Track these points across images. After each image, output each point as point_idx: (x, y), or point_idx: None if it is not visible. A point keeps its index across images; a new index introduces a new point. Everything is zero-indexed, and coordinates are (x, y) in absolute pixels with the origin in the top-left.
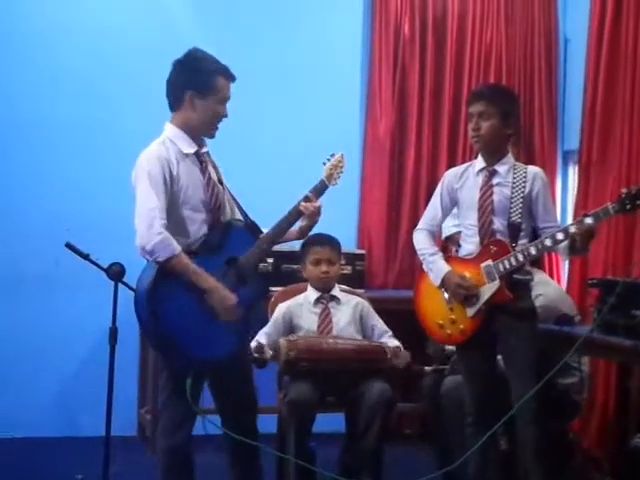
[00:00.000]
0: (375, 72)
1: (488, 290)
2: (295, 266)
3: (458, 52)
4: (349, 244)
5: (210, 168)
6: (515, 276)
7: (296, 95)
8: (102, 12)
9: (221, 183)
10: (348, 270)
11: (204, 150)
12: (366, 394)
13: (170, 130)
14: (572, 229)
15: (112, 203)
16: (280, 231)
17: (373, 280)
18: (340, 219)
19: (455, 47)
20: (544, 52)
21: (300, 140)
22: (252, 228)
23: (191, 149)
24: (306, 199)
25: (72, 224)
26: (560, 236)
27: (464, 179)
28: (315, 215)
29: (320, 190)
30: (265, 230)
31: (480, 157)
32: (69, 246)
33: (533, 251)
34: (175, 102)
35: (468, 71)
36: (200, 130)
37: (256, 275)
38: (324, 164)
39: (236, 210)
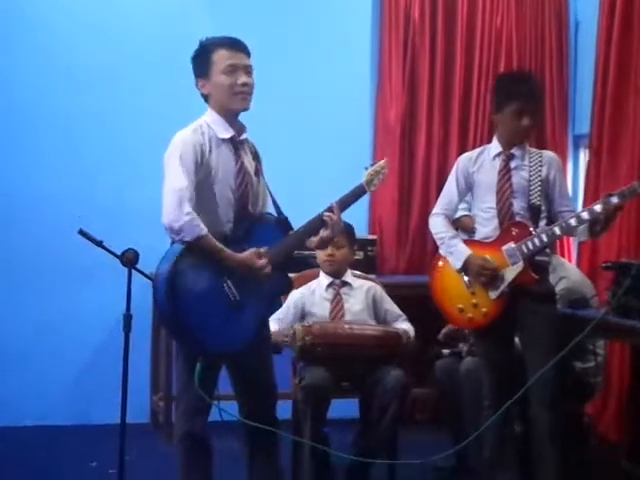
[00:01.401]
0: (385, 58)
1: (511, 272)
2: (307, 252)
3: (468, 37)
4: (360, 230)
5: (245, 156)
6: (537, 258)
7: (307, 82)
8: (117, 5)
9: (257, 174)
10: (360, 255)
11: (243, 137)
12: (382, 380)
13: (209, 114)
14: (598, 208)
15: (126, 189)
16: (307, 232)
17: (384, 265)
18: (351, 205)
19: (465, 32)
20: (555, 35)
21: (312, 127)
22: (282, 224)
23: (227, 134)
24: (330, 209)
25: (85, 211)
26: (585, 215)
27: (480, 163)
28: (337, 226)
29: (358, 195)
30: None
31: (496, 141)
32: (82, 233)
33: (558, 231)
34: (202, 94)
35: (479, 55)
36: (227, 107)
37: (281, 269)
38: (366, 169)
39: (269, 204)
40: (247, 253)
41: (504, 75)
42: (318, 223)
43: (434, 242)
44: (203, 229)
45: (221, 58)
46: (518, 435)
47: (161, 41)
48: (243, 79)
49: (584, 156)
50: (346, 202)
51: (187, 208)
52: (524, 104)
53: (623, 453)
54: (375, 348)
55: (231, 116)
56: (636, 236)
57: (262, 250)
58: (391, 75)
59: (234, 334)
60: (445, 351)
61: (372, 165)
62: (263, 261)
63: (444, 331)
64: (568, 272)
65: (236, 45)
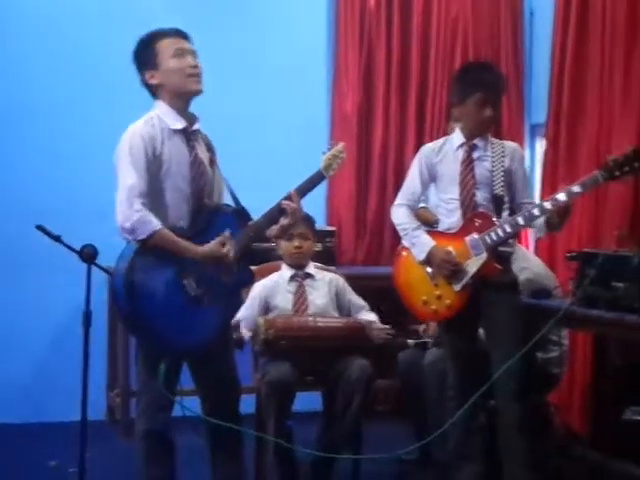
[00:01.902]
0: (342, 47)
1: (475, 263)
2: (266, 244)
3: (424, 26)
4: (319, 221)
5: (199, 147)
6: (500, 249)
7: (263, 74)
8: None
9: (212, 165)
10: (318, 247)
11: (195, 128)
12: (346, 371)
13: (159, 107)
14: (561, 197)
15: (84, 184)
16: (266, 222)
17: (342, 257)
18: (309, 196)
19: (421, 21)
20: (510, 25)
21: (269, 117)
22: (241, 215)
23: (179, 125)
24: (288, 197)
25: (43, 205)
26: (548, 205)
27: (443, 154)
28: (297, 213)
29: (316, 181)
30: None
31: (459, 132)
32: (40, 228)
33: (521, 221)
34: (149, 88)
35: (435, 45)
36: (182, 91)
37: (242, 261)
38: (323, 153)
39: (226, 195)
40: (210, 244)
41: (467, 65)
42: (277, 212)
43: (392, 232)
44: (157, 224)
45: (167, 45)
46: (483, 426)
47: (105, 30)
48: (193, 62)
49: (541, 145)
50: (305, 189)
51: (137, 205)
52: (487, 94)
53: (588, 442)
54: (340, 340)
55: (182, 106)
56: (594, 226)
57: (226, 236)
58: (348, 65)
59: (196, 331)
60: (410, 341)
61: (329, 149)
62: (227, 247)
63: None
64: (530, 262)
65: (178, 32)
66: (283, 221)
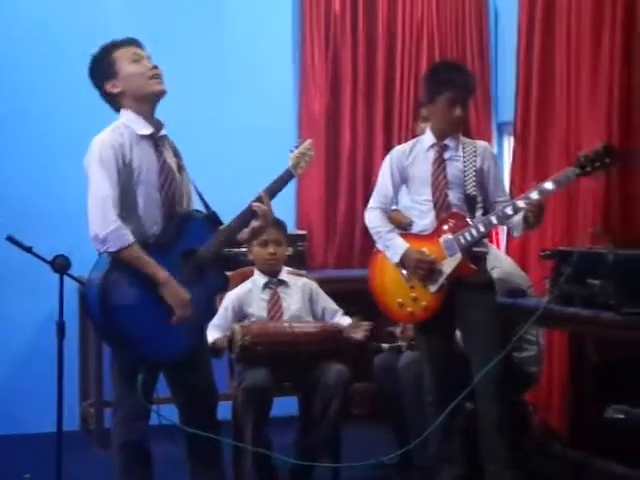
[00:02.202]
0: (308, 50)
1: (450, 264)
2: (237, 250)
3: (390, 28)
4: (288, 225)
5: (167, 153)
6: (475, 249)
7: (230, 78)
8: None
9: (180, 171)
10: (289, 251)
11: (162, 133)
12: (323, 376)
13: (125, 115)
14: (534, 195)
15: (55, 194)
16: (238, 225)
17: (313, 260)
18: (278, 200)
19: (387, 23)
20: (475, 25)
21: (236, 122)
22: (212, 220)
23: (147, 130)
24: (258, 199)
25: (14, 216)
26: (521, 204)
27: (414, 155)
28: (268, 215)
29: (286, 179)
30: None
31: (429, 133)
32: (11, 239)
33: (494, 220)
34: (111, 100)
35: (400, 46)
36: (146, 93)
37: (215, 267)
38: (291, 152)
39: (196, 201)
40: (178, 287)
41: (437, 65)
42: (248, 214)
43: (362, 235)
44: (129, 238)
45: (123, 53)
46: (462, 428)
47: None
48: (151, 64)
49: (508, 143)
50: (274, 189)
51: (112, 216)
52: (457, 94)
53: (567, 441)
54: (316, 344)
55: (148, 111)
56: (566, 224)
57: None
58: (314, 68)
59: (172, 340)
60: (385, 346)
61: (297, 147)
62: (187, 309)
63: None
64: (501, 262)
65: (131, 40)
66: (254, 223)
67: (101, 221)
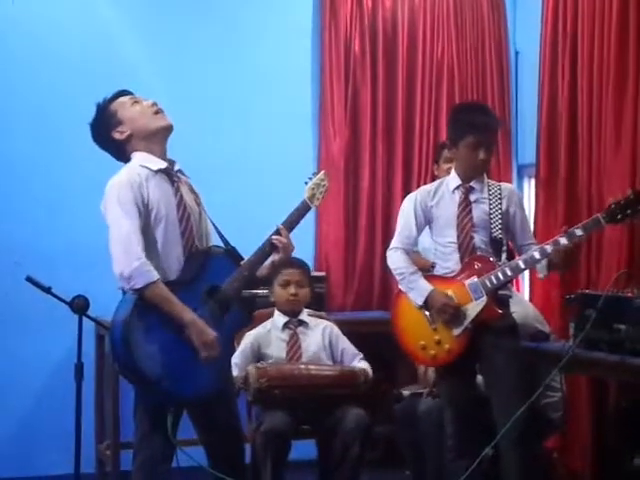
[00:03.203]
0: (327, 90)
1: (475, 308)
2: (256, 291)
3: (410, 67)
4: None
5: (183, 187)
6: (500, 292)
7: (248, 117)
8: (82, 41)
9: (198, 206)
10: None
11: (176, 169)
12: (342, 421)
13: (136, 157)
14: (563, 241)
15: (75, 234)
16: (258, 259)
17: (332, 302)
18: (297, 241)
19: (406, 62)
20: (495, 65)
21: (254, 162)
22: (232, 255)
23: (161, 165)
24: (277, 232)
25: (33, 256)
26: (549, 248)
27: (439, 197)
28: (288, 248)
29: (302, 211)
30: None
31: (454, 174)
32: (30, 280)
33: (522, 265)
34: (120, 150)
35: (420, 86)
36: (154, 129)
37: (239, 303)
38: (305, 183)
39: (215, 236)
40: (204, 325)
41: (458, 107)
42: (268, 248)
43: (382, 277)
44: (155, 275)
45: (121, 101)
46: (484, 473)
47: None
48: (151, 101)
49: (529, 186)
50: (292, 222)
51: (137, 252)
52: (480, 137)
53: None
54: (333, 388)
55: (159, 149)
56: (591, 268)
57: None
58: (333, 108)
59: (199, 380)
60: (405, 392)
61: (311, 179)
62: (215, 348)
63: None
64: (518, 306)
65: (123, 92)
66: (274, 257)
67: (125, 258)
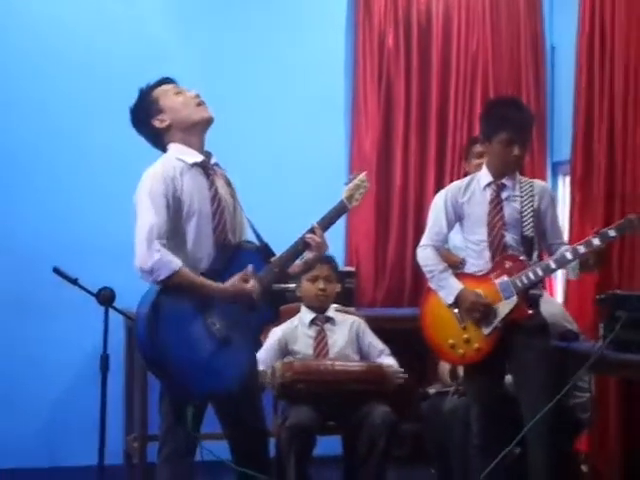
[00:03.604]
0: (360, 85)
1: (505, 307)
2: (283, 286)
3: (444, 62)
4: (338, 261)
5: (219, 181)
6: (530, 291)
7: (281, 111)
8: (86, 36)
9: (233, 200)
10: (338, 288)
11: (212, 162)
12: (368, 417)
13: (173, 148)
14: (596, 242)
15: (101, 225)
16: (290, 257)
17: (362, 298)
18: (327, 236)
19: (440, 57)
20: (531, 60)
21: (286, 157)
22: (264, 251)
23: (197, 158)
24: (311, 231)
25: (59, 247)
26: (582, 249)
27: (470, 193)
28: (322, 247)
29: (339, 212)
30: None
31: (486, 170)
32: (57, 271)
33: (553, 265)
34: (158, 138)
35: (455, 81)
36: (195, 121)
37: (266, 299)
38: (345, 184)
39: (248, 231)
40: (232, 280)
41: (492, 102)
42: (301, 246)
43: (413, 273)
44: (177, 264)
45: (164, 89)
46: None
47: (135, 77)
48: (194, 93)
49: (563, 184)
50: (328, 221)
51: (156, 246)
52: (513, 134)
53: None
54: (359, 384)
55: (197, 142)
56: (623, 268)
57: (248, 272)
58: (366, 103)
59: (223, 373)
60: (431, 390)
61: (351, 180)
62: (252, 283)
63: (448, 369)
64: (546, 305)
65: (167, 80)
66: (307, 256)
67: (145, 252)
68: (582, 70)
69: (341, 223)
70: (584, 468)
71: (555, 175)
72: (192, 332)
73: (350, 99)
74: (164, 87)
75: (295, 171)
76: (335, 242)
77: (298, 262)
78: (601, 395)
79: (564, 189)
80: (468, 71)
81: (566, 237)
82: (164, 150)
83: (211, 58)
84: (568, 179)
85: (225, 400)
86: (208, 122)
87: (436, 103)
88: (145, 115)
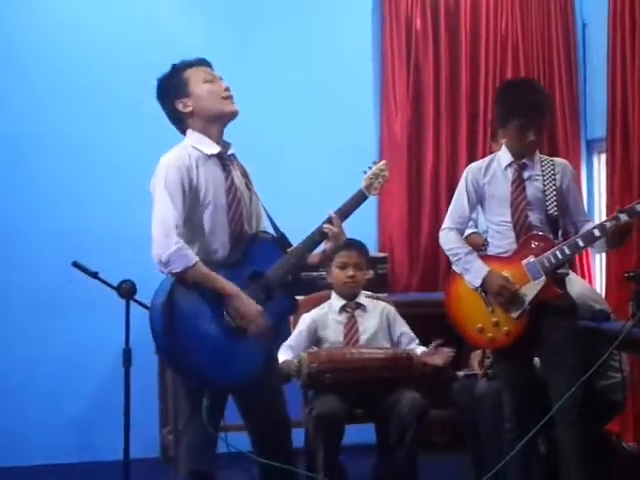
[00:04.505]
0: (388, 68)
1: (533, 288)
2: (315, 273)
3: (473, 43)
4: (370, 247)
5: (235, 172)
6: (558, 271)
7: (310, 96)
8: (98, 27)
9: (249, 191)
10: (370, 275)
11: (229, 152)
12: (397, 404)
13: (191, 136)
14: (623, 217)
15: (121, 219)
16: (307, 247)
17: (396, 283)
18: (359, 222)
19: (469, 38)
20: (562, 38)
21: (316, 141)
22: (280, 242)
23: (214, 150)
24: (329, 220)
25: (80, 241)
26: (609, 225)
27: (491, 174)
28: (339, 237)
29: (358, 201)
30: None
31: (506, 150)
32: (77, 265)
33: (581, 243)
34: (179, 120)
35: (484, 62)
36: (219, 113)
37: (284, 290)
38: (365, 172)
39: (265, 221)
40: (249, 301)
41: (506, 87)
42: (318, 237)
43: (446, 257)
44: (193, 258)
45: (196, 72)
46: (543, 456)
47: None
48: (224, 85)
49: (598, 162)
50: (346, 211)
51: (174, 237)
52: (527, 119)
53: None
54: (386, 370)
55: (216, 132)
56: None
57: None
58: (395, 85)
59: (239, 364)
60: (460, 373)
61: (370, 168)
62: (263, 321)
63: (477, 359)
64: (573, 284)
65: (202, 61)
66: (326, 246)
67: (163, 243)
68: (616, 47)
69: (372, 208)
70: (618, 449)
71: (590, 153)
72: (207, 323)
73: (379, 84)
74: (196, 69)
75: (326, 157)
76: (367, 228)
77: (317, 252)
78: (635, 374)
79: (599, 167)
80: (498, 51)
81: (604, 215)
82: (183, 132)
83: (237, 42)
84: (603, 157)
85: (243, 391)
86: (230, 116)
87: (466, 85)
88: (171, 94)
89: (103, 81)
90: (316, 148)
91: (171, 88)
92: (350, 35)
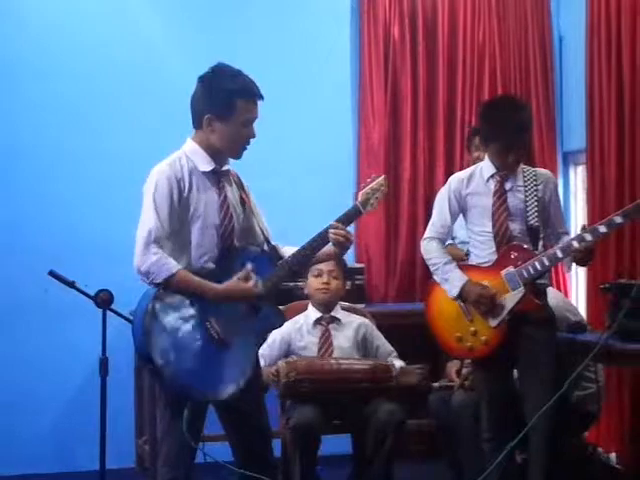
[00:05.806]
0: (366, 78)
1: (512, 298)
2: (292, 284)
3: (450, 53)
4: (347, 258)
5: (229, 188)
6: (537, 282)
7: (286, 105)
8: (83, 33)
9: (243, 204)
10: (347, 285)
11: (225, 168)
12: (374, 415)
13: (189, 145)
14: (602, 229)
15: (100, 228)
16: (301, 259)
17: (373, 294)
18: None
19: (447, 48)
20: (538, 50)
21: (292, 151)
22: (270, 255)
23: (208, 167)
24: (333, 227)
25: (58, 250)
26: (588, 237)
27: (473, 185)
28: (346, 243)
29: (352, 217)
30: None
31: (488, 161)
32: (53, 274)
33: (560, 254)
34: (196, 121)
35: (462, 72)
36: (222, 152)
37: (270, 303)
38: (363, 187)
39: (258, 234)
40: (232, 279)
41: (487, 106)
42: (321, 242)
43: (424, 268)
44: (173, 267)
45: (244, 110)
46: (519, 464)
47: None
48: (253, 134)
49: (574, 173)
50: (342, 223)
51: (153, 248)
52: (510, 141)
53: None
54: (364, 382)
55: (215, 158)
56: (627, 257)
57: (248, 269)
58: (373, 96)
59: (221, 377)
60: (436, 385)
61: (368, 183)
62: (252, 281)
63: (455, 369)
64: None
65: (258, 97)
66: (336, 250)
67: (142, 254)
68: (593, 59)
69: None
70: (593, 460)
71: (566, 165)
72: (189, 333)
73: (356, 92)
74: (248, 106)
75: (303, 166)
76: None
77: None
78: (613, 386)
79: (575, 178)
80: (475, 62)
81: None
82: (193, 122)
83: (209, 48)
84: (579, 168)
85: (225, 403)
86: (232, 158)
87: (443, 95)
88: (208, 104)
89: (87, 89)
90: (295, 159)
91: (213, 100)
92: (327, 44)
